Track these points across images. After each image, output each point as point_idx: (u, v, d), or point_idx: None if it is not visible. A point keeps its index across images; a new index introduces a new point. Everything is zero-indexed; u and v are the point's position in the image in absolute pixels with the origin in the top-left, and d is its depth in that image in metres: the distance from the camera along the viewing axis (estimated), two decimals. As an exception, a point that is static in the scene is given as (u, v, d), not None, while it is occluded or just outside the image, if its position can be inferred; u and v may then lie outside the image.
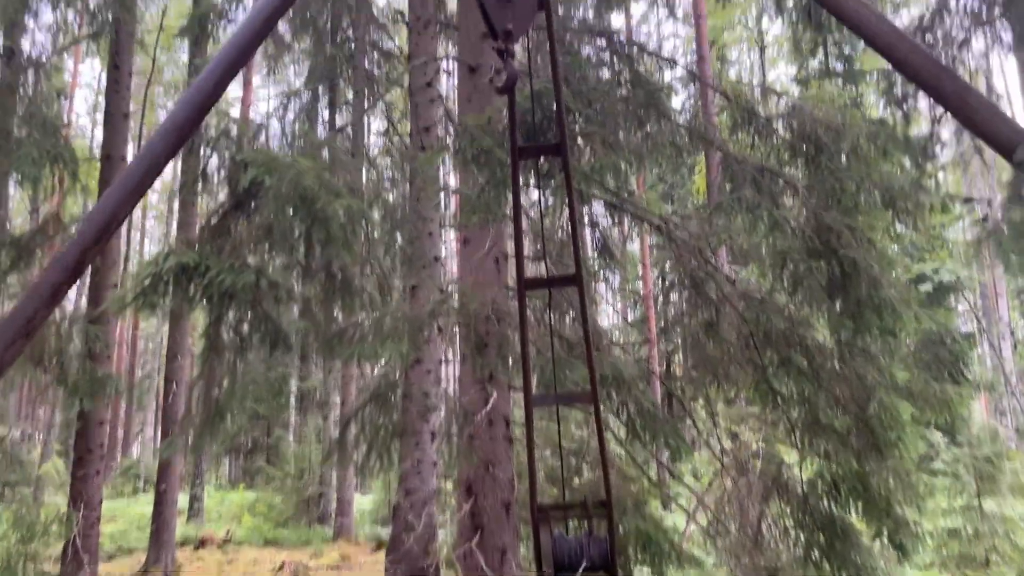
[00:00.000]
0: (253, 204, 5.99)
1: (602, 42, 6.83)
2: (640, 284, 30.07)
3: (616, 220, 8.60)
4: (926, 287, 26.45)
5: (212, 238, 6.31)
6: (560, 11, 8.10)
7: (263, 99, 38.44)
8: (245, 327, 6.30)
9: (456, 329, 7.29)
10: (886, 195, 6.23)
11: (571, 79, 6.28)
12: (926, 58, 3.09)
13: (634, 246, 32.60)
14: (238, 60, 3.25)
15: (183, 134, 3.27)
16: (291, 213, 5.46)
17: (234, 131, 7.41)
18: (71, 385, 9.36)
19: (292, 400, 26.92)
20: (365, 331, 6.56)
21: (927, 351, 7.37)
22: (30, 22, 13.09)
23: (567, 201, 5.13)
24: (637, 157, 6.10)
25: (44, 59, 12.38)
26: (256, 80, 31.36)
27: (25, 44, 13.66)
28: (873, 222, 6.27)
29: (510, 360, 6.45)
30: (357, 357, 6.54)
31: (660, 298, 8.57)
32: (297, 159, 5.71)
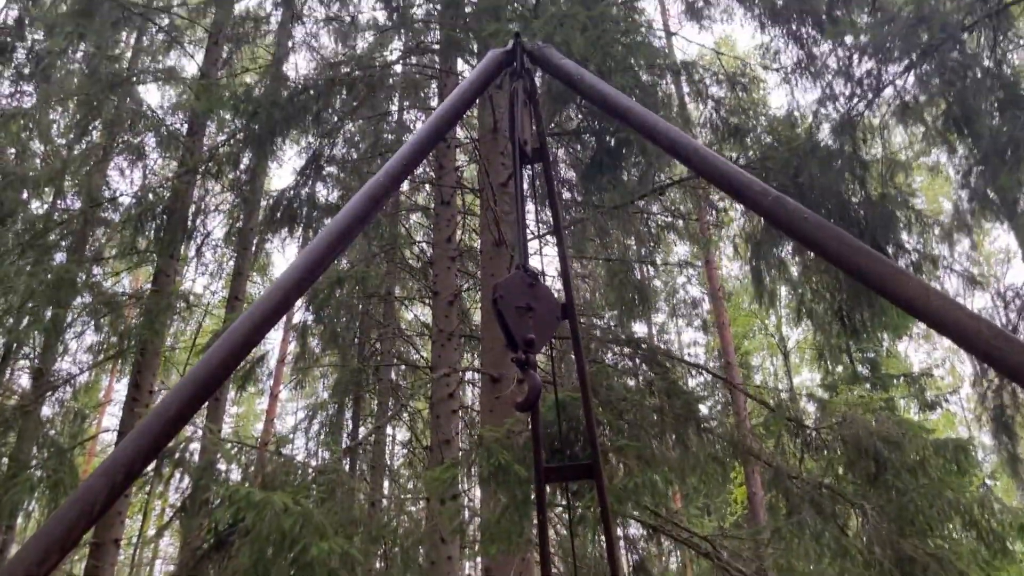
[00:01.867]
0: (234, 545, 5.34)
1: (627, 349, 6.58)
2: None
3: (656, 541, 7.77)
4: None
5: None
6: (582, 320, 8.00)
7: (290, 412, 38.84)
8: None
9: None
10: (965, 516, 5.46)
11: (599, 389, 5.91)
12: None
13: (673, 560, 30.33)
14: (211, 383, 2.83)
15: (157, 444, 2.78)
16: (271, 557, 4.79)
17: (219, 458, 6.93)
18: None
19: None
20: None
21: None
22: (71, 343, 13.43)
23: (602, 526, 4.37)
24: (677, 473, 5.50)
25: (72, 378, 12.46)
26: (283, 394, 31.85)
27: (64, 363, 13.93)
28: (958, 548, 5.42)
29: None
30: None
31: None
32: (277, 496, 5.14)
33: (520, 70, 3.88)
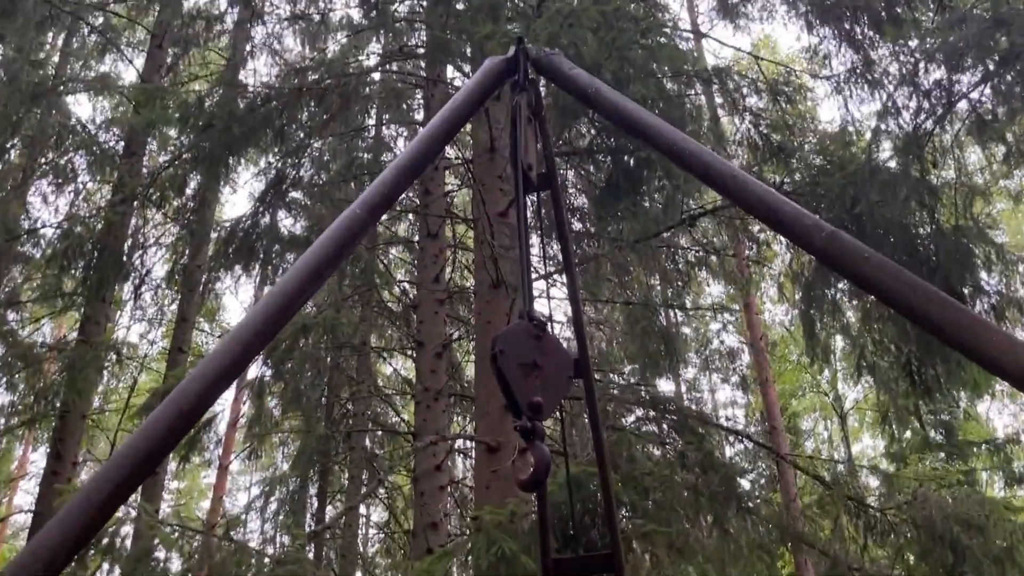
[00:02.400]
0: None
1: (652, 412, 6.56)
2: None
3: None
4: None
5: None
6: (597, 377, 7.99)
7: (243, 487, 38.55)
8: None
9: None
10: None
11: (619, 461, 5.88)
12: None
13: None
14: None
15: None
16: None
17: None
18: None
19: None
20: None
21: None
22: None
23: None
24: (715, 564, 5.44)
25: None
26: (235, 465, 31.66)
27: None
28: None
29: None
30: None
31: None
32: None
33: (523, 81, 3.94)
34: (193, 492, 42.42)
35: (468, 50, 8.38)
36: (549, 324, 3.49)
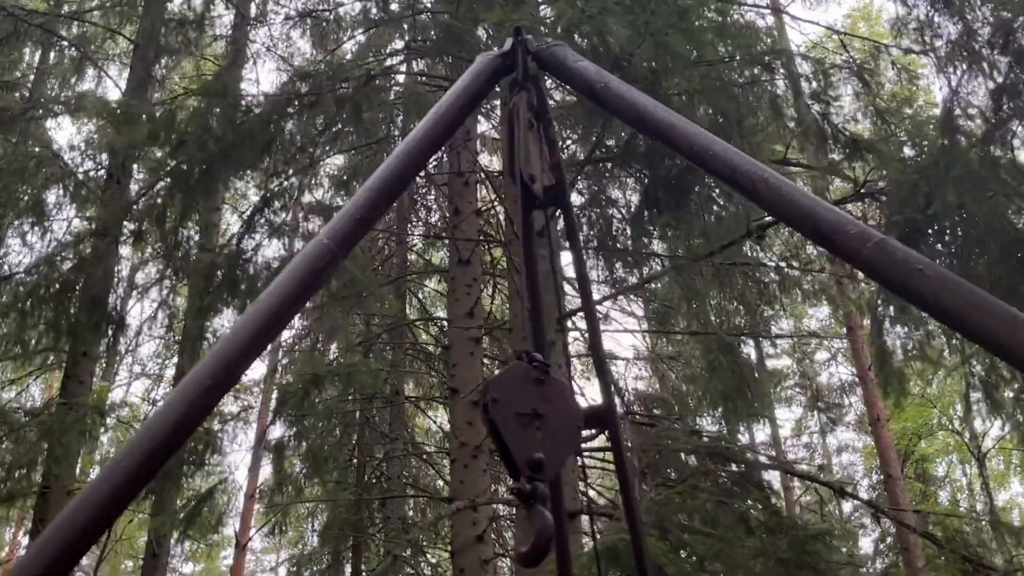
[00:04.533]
0: None
1: (702, 461, 6.47)
2: None
3: None
4: None
5: None
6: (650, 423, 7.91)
7: (269, 567, 38.77)
8: None
9: None
10: None
11: (668, 525, 5.80)
12: None
13: None
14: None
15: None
16: None
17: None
18: None
19: None
20: None
21: None
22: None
23: None
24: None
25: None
26: (256, 542, 31.88)
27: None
28: None
29: None
30: None
31: None
32: None
33: (522, 78, 3.95)
34: (212, 576, 42.75)
35: (489, 43, 8.42)
36: (559, 367, 3.48)
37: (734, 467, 6.83)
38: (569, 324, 11.25)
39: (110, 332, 12.18)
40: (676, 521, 5.94)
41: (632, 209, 8.12)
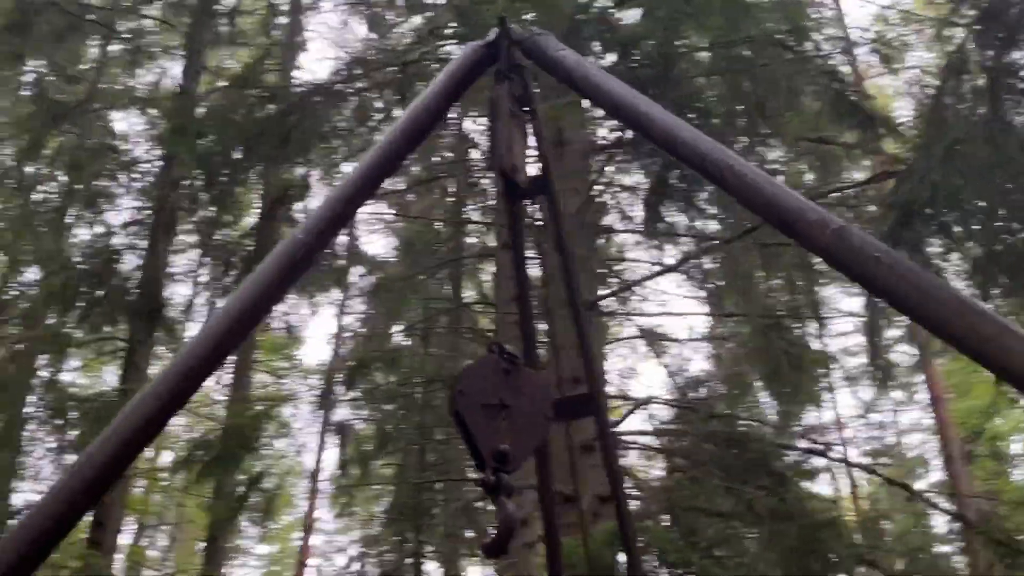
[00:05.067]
0: None
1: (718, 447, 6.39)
2: None
3: None
4: None
5: None
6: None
7: (341, 547, 39.11)
8: None
9: None
10: None
11: (678, 512, 5.75)
12: None
13: None
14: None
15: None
16: None
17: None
18: None
19: None
20: None
21: None
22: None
23: None
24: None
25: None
26: (329, 524, 32.22)
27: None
28: None
29: None
30: None
31: None
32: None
33: (506, 68, 3.96)
34: (285, 556, 43.26)
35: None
36: (527, 358, 3.51)
37: (754, 452, 6.77)
38: (608, 305, 11.24)
39: (164, 319, 12.44)
40: (686, 507, 5.93)
41: (646, 195, 8.05)
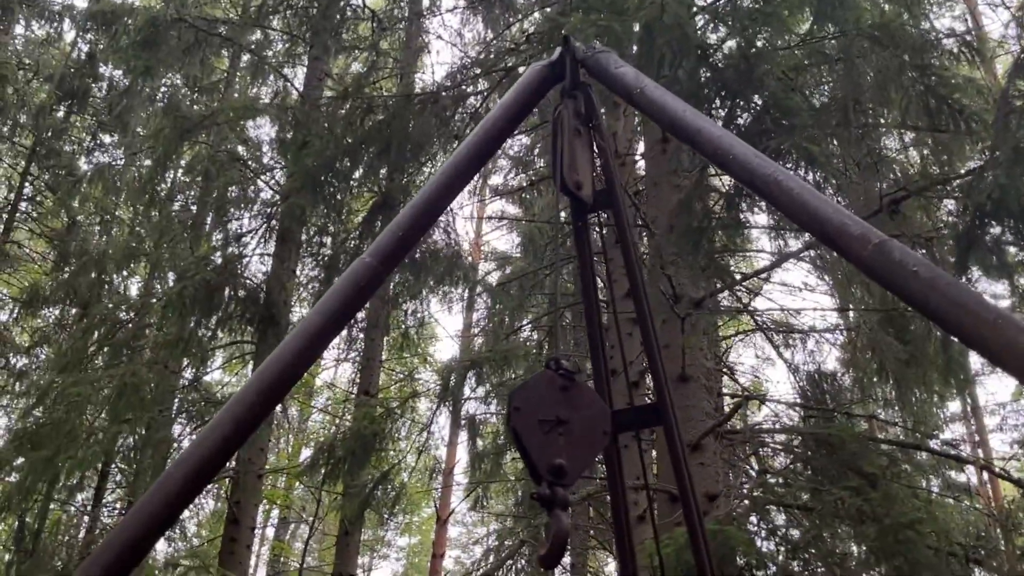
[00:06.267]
0: None
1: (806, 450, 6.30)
2: None
3: None
4: None
5: None
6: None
7: (478, 539, 39.70)
8: None
9: None
10: None
11: (762, 513, 5.73)
12: None
13: None
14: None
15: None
16: None
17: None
18: None
19: None
20: None
21: None
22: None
23: None
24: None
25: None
26: (466, 516, 32.66)
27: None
28: None
29: None
30: None
31: None
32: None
33: (571, 87, 4.06)
34: (426, 548, 43.91)
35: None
36: (581, 373, 3.58)
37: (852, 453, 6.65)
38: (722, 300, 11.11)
39: (284, 323, 12.85)
40: (767, 509, 5.90)
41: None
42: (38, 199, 22.44)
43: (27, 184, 21.75)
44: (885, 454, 7.61)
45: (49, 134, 20.35)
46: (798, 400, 11.03)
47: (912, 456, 8.56)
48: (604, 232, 4.98)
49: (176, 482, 3.19)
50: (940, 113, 6.59)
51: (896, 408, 11.49)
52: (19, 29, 22.55)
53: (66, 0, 21.45)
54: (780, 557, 5.73)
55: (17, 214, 21.61)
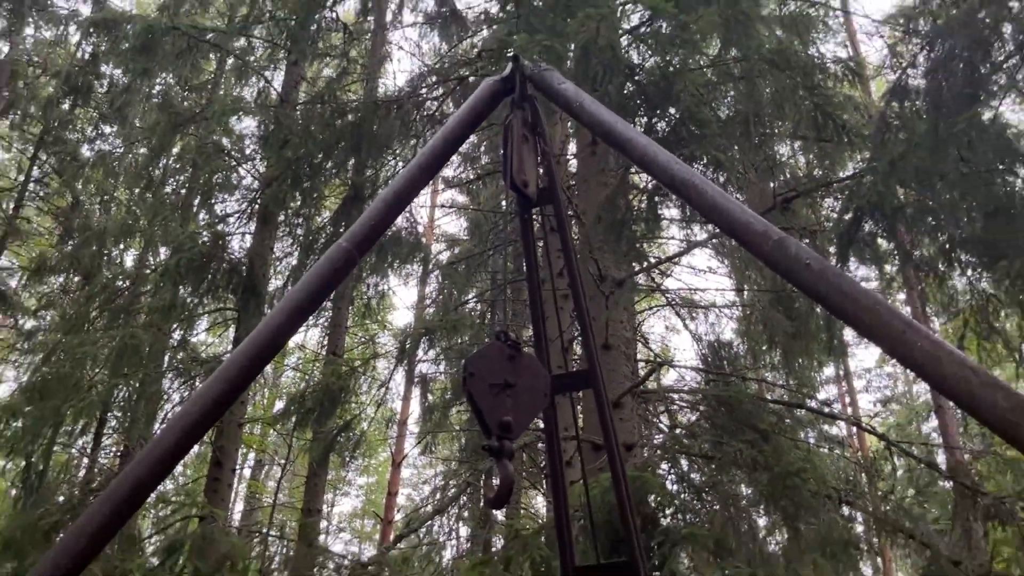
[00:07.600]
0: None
1: (708, 407, 6.43)
2: None
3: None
4: None
5: None
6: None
7: (425, 480, 39.94)
8: None
9: None
10: None
11: (671, 463, 5.85)
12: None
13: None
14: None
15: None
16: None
17: None
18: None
19: None
20: None
21: None
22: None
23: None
24: (766, 565, 5.33)
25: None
26: (418, 460, 32.87)
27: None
28: None
29: None
30: None
31: None
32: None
33: (519, 99, 4.07)
34: (379, 488, 43.88)
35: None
36: (524, 344, 3.63)
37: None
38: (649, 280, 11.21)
39: (263, 294, 12.81)
40: (673, 458, 6.05)
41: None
42: (45, 181, 22.25)
43: (36, 167, 21.63)
44: (773, 412, 7.85)
45: (56, 124, 20.13)
46: (701, 366, 11.33)
47: (795, 413, 8.82)
48: (544, 223, 5.02)
49: (175, 433, 3.17)
50: (826, 126, 6.75)
51: (782, 372, 11.77)
52: (29, 31, 22.17)
53: (72, 5, 21.10)
54: (686, 497, 5.90)
55: (27, 193, 21.60)
